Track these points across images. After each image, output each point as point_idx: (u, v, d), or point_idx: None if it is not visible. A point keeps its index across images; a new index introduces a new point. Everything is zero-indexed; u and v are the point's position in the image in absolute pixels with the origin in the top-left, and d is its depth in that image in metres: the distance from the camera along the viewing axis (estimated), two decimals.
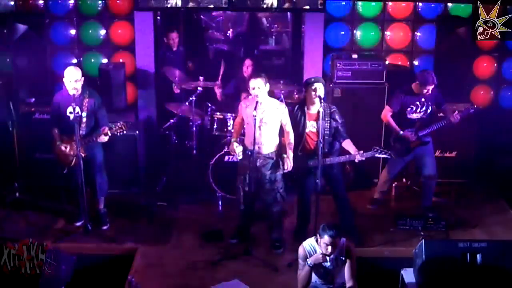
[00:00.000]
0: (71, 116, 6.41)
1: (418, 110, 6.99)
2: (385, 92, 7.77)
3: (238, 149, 6.40)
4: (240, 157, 6.43)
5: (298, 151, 6.46)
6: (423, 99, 6.97)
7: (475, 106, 7.65)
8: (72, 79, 6.42)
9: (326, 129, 6.35)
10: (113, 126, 6.47)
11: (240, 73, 8.63)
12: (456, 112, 6.93)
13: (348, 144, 6.44)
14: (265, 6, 8.01)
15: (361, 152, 6.30)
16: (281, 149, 6.43)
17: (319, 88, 6.33)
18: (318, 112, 6.31)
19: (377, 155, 6.34)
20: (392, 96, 7.20)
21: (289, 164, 6.34)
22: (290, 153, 6.34)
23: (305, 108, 6.46)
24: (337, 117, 6.45)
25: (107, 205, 7.05)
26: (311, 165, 6.42)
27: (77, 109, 6.39)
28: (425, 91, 6.89)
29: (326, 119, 6.34)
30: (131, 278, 5.78)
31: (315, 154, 6.31)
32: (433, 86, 6.88)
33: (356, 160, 6.34)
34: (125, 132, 6.53)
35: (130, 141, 7.58)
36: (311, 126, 6.45)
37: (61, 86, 6.66)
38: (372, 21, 8.81)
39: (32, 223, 6.99)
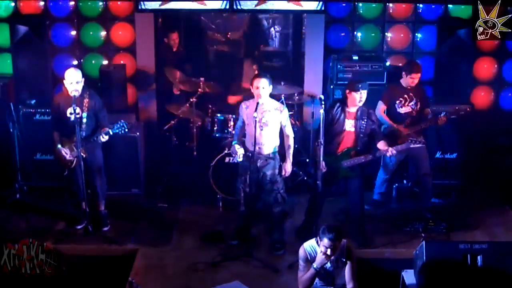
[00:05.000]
0: (72, 117, 6.40)
1: (407, 104, 7.03)
2: None
3: (239, 151, 6.40)
4: (241, 159, 6.44)
5: (336, 150, 6.48)
6: (411, 93, 7.03)
7: (468, 108, 7.62)
8: (73, 80, 6.42)
9: (362, 128, 6.45)
10: (114, 126, 6.49)
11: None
12: (443, 115, 6.98)
13: (382, 144, 6.48)
14: None
15: (394, 147, 6.45)
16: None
17: (364, 94, 6.39)
18: (357, 111, 6.44)
19: (412, 145, 6.54)
20: (383, 92, 7.28)
21: (287, 170, 6.36)
22: (290, 158, 6.36)
23: (346, 107, 6.47)
24: (373, 118, 6.53)
25: (108, 206, 7.05)
26: (345, 165, 6.43)
27: (78, 110, 6.39)
28: (410, 80, 6.95)
29: (364, 118, 6.44)
30: (132, 279, 5.78)
31: (349, 153, 6.45)
32: (418, 76, 6.95)
33: (388, 155, 6.47)
34: (127, 130, 6.55)
35: (130, 143, 7.58)
36: (349, 125, 6.46)
37: (61, 87, 6.65)
38: (372, 22, 8.82)
39: (33, 224, 6.97)
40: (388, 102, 7.09)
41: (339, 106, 6.50)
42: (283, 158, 6.46)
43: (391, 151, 6.42)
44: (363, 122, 6.44)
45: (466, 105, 7.66)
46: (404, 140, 6.99)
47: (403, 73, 7.06)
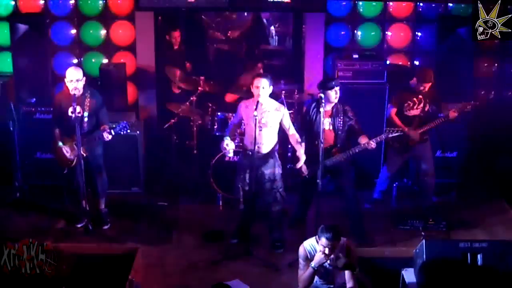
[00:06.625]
0: (73, 116, 6.41)
1: (415, 107, 7.02)
2: (385, 92, 7.77)
3: (230, 146, 6.41)
4: (231, 154, 6.45)
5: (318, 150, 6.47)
6: (420, 96, 7.01)
7: (471, 103, 7.58)
8: (74, 79, 6.42)
9: (339, 125, 6.45)
10: (114, 125, 6.49)
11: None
12: (454, 109, 6.93)
13: (363, 139, 6.45)
14: None
15: (373, 139, 6.36)
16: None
17: (337, 91, 6.40)
18: (332, 109, 6.45)
19: (390, 135, 6.45)
20: (393, 95, 7.29)
21: (302, 158, 6.34)
22: (301, 149, 6.35)
23: (321, 107, 6.45)
24: (350, 114, 6.52)
25: (108, 205, 7.06)
26: (327, 164, 6.42)
27: (79, 109, 6.39)
28: (421, 88, 6.93)
29: (340, 115, 6.45)
30: (132, 278, 5.78)
31: (330, 152, 6.43)
32: (430, 84, 6.93)
33: (369, 147, 6.36)
34: (129, 131, 6.55)
35: (131, 141, 7.58)
36: (327, 124, 6.46)
37: (61, 86, 6.65)
38: (373, 21, 8.82)
39: (33, 223, 6.98)
40: (397, 105, 7.09)
41: (314, 107, 6.53)
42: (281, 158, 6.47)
43: (371, 144, 6.38)
44: (339, 119, 6.47)
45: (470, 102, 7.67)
46: (414, 141, 7.00)
47: (415, 78, 7.03)
